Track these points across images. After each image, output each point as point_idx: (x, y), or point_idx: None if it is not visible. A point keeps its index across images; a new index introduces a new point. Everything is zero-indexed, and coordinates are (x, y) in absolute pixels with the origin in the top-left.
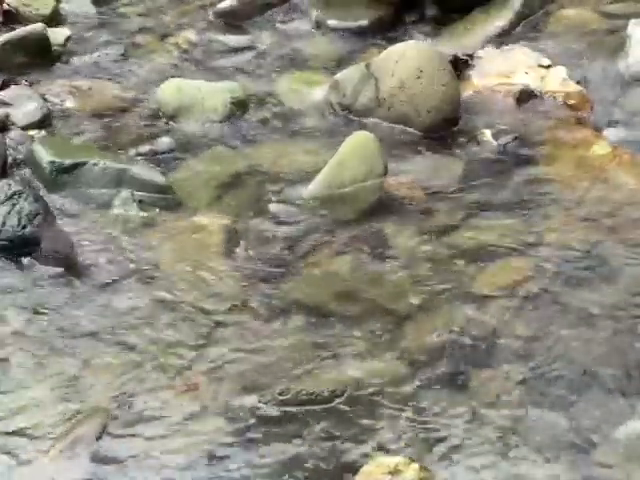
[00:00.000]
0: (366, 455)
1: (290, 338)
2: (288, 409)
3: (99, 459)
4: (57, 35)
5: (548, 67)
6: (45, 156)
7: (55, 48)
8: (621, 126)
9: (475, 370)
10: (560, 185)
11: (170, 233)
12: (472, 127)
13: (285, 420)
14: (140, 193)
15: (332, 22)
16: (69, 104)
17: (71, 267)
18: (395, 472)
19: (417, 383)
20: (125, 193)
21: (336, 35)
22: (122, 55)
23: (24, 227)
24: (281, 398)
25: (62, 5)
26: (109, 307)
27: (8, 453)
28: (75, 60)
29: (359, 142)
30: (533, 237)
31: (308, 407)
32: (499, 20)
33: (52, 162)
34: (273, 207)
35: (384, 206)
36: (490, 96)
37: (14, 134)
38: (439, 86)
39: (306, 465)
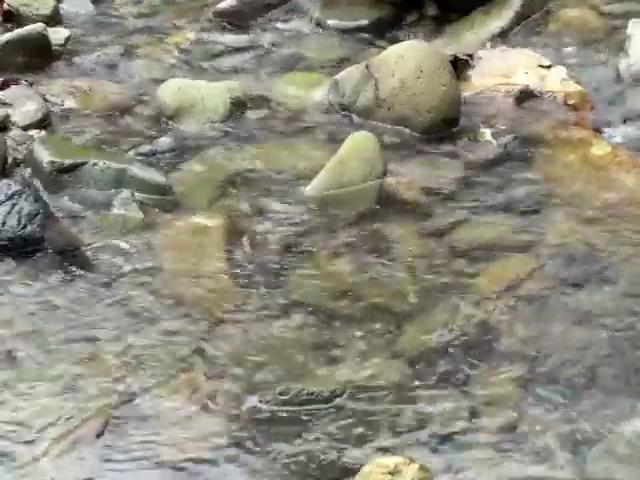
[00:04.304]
0: (366, 455)
1: (290, 338)
2: (288, 409)
3: (99, 458)
4: (57, 35)
5: (548, 67)
6: (45, 156)
7: (55, 48)
8: (621, 126)
9: (475, 370)
10: (560, 185)
11: (170, 233)
12: (472, 127)
13: (285, 420)
14: (140, 193)
15: (332, 22)
16: (69, 104)
17: (80, 262)
18: (395, 472)
19: (417, 383)
20: (125, 193)
21: (336, 35)
22: (122, 55)
23: (24, 227)
24: (281, 398)
25: (62, 5)
26: (109, 307)
27: (9, 452)
28: (75, 60)
29: (359, 142)
30: (533, 237)
31: (308, 407)
32: (499, 20)
33: (52, 162)
34: (273, 207)
35: (384, 206)
36: (490, 96)
37: (14, 134)
38: (439, 86)
39: (306, 465)
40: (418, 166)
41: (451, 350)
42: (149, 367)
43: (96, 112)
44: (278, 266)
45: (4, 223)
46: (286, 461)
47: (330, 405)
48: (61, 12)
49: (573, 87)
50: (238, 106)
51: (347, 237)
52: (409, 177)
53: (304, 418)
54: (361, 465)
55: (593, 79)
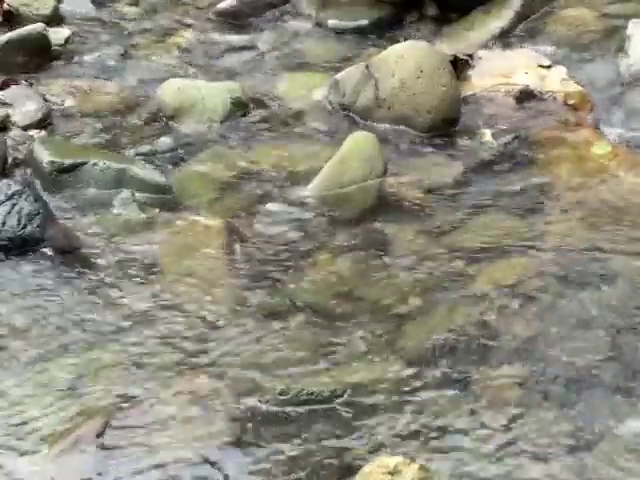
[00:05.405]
0: (366, 455)
1: (290, 338)
2: (288, 409)
3: (99, 458)
4: (57, 35)
5: (548, 67)
6: (45, 156)
7: (55, 48)
8: (621, 126)
9: (475, 370)
10: (560, 185)
11: (170, 233)
12: (472, 127)
13: (285, 420)
14: (140, 193)
15: (332, 22)
16: (69, 104)
17: (79, 261)
18: (395, 472)
19: (417, 383)
20: (125, 193)
21: (336, 35)
22: (122, 55)
23: (24, 227)
24: (281, 398)
25: (62, 5)
26: (109, 307)
27: (9, 453)
28: (75, 60)
29: (359, 142)
30: (533, 237)
31: (308, 407)
32: (499, 20)
33: (52, 162)
34: (273, 207)
35: (384, 206)
36: (490, 96)
37: (14, 134)
38: (439, 86)
39: (306, 465)
40: (418, 166)
41: (451, 350)
42: (149, 367)
43: (96, 112)
44: (278, 266)
45: (4, 223)
46: (286, 461)
47: (330, 405)
48: (61, 12)
49: (573, 87)
50: (238, 106)
51: (347, 237)
52: (409, 177)
53: (304, 418)
54: (361, 465)
55: (593, 79)
